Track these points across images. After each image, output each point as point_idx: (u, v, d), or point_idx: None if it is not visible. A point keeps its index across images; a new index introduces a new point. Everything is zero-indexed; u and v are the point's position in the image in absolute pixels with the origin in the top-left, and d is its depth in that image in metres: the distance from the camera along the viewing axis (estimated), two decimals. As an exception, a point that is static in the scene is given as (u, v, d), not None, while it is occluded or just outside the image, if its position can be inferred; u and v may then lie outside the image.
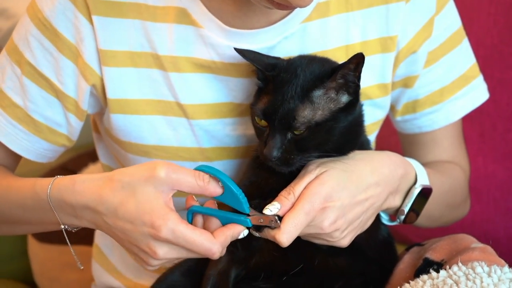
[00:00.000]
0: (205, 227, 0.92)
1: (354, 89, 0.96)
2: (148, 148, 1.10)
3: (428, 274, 0.95)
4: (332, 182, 0.93)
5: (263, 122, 0.96)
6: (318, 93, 0.95)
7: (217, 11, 1.04)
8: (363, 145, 1.05)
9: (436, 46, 1.13)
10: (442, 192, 1.11)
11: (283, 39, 1.06)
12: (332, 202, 0.93)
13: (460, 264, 0.94)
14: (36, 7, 1.07)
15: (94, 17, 1.05)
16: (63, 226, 0.99)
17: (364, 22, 1.08)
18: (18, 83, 1.09)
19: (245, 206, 0.91)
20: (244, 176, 1.04)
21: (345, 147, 0.98)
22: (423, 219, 1.10)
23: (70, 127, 1.11)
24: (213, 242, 0.88)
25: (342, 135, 0.96)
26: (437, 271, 0.95)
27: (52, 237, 1.68)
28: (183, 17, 1.05)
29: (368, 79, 1.10)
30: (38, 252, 1.78)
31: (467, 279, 0.91)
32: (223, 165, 1.11)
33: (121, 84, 1.08)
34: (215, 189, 0.90)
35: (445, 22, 1.13)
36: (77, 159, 1.99)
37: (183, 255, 0.91)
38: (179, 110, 1.08)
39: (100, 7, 1.05)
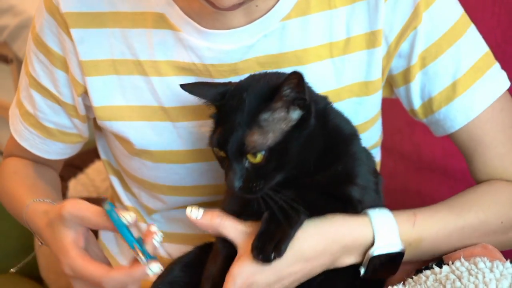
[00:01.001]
0: None
1: (303, 103, 0.93)
2: (137, 151, 1.12)
3: (431, 269, 0.96)
4: (255, 264, 0.93)
5: (222, 153, 0.95)
6: (265, 116, 0.93)
7: (197, 14, 1.05)
8: (355, 157, 1.00)
9: (436, 39, 1.08)
10: (448, 232, 1.03)
11: (262, 38, 1.05)
12: (256, 277, 0.93)
13: (462, 259, 0.95)
14: (33, 23, 1.14)
15: (72, 31, 1.08)
16: (40, 243, 1.10)
17: (348, 19, 1.06)
18: (28, 93, 1.16)
19: (130, 244, 0.91)
20: (224, 204, 1.03)
21: (308, 164, 0.95)
22: (432, 257, 1.04)
23: (78, 128, 1.18)
24: (103, 275, 0.92)
25: (300, 153, 0.94)
26: (440, 266, 0.96)
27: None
28: (161, 21, 1.06)
29: (354, 77, 1.09)
30: (44, 247, 1.78)
31: (470, 274, 0.91)
32: (211, 166, 1.11)
33: (105, 92, 1.10)
34: (110, 227, 0.93)
35: (440, 14, 1.07)
36: (83, 155, 1.99)
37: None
38: (163, 114, 1.09)
39: (78, 20, 1.07)
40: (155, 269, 0.91)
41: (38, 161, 1.24)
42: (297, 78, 0.91)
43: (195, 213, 0.96)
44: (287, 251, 0.93)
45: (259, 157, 0.92)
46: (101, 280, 0.92)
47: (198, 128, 1.09)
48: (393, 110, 1.33)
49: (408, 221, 1.01)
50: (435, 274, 0.95)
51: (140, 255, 0.91)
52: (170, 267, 1.08)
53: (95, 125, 1.24)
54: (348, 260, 0.99)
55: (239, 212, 0.99)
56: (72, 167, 1.93)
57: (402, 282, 0.97)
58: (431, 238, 1.02)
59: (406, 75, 1.10)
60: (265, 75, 0.99)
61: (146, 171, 1.14)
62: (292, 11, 1.05)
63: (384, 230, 0.98)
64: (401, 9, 1.06)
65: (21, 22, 2.26)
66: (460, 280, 0.91)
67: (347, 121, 1.03)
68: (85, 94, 1.12)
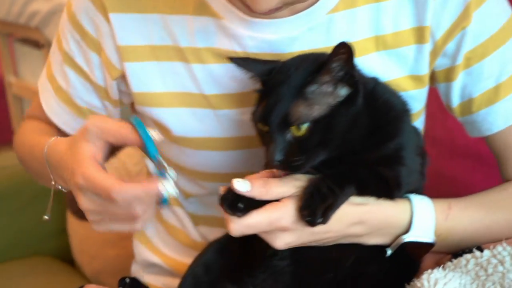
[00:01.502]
0: None
1: (351, 81, 0.92)
2: (176, 138, 1.11)
3: (471, 253, 0.95)
4: (297, 213, 0.92)
5: (265, 127, 0.94)
6: (311, 88, 0.91)
7: (237, 2, 1.03)
8: (405, 137, 0.99)
9: (484, 40, 1.06)
10: (476, 228, 1.03)
11: (306, 30, 1.04)
12: (295, 226, 0.92)
13: (504, 244, 0.94)
14: (68, 2, 1.13)
15: (111, 15, 1.07)
16: (53, 183, 1.04)
17: (395, 13, 1.05)
18: (61, 69, 1.15)
19: (151, 155, 0.90)
20: None
21: (352, 143, 0.93)
22: (456, 250, 1.04)
23: (108, 111, 1.17)
24: (112, 183, 0.87)
25: (346, 130, 0.92)
26: (481, 251, 0.95)
27: (91, 215, 1.71)
28: (202, 8, 1.05)
29: (400, 71, 1.08)
30: (77, 229, 1.80)
31: (512, 259, 0.91)
32: (251, 153, 1.11)
33: (144, 78, 1.09)
34: (134, 140, 0.91)
35: (490, 15, 1.06)
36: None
37: (100, 207, 0.90)
38: (204, 101, 1.09)
39: (117, 4, 1.07)
40: (170, 188, 0.89)
41: None
42: (346, 52, 0.89)
43: (242, 186, 0.91)
44: (336, 220, 0.93)
45: (304, 129, 0.91)
46: (112, 189, 0.87)
47: (239, 115, 1.09)
48: (427, 93, 1.32)
49: (442, 213, 1.01)
50: (476, 258, 0.94)
51: (162, 165, 0.90)
52: (205, 250, 1.08)
53: (132, 109, 1.25)
54: (376, 240, 0.99)
55: None
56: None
57: (441, 266, 0.96)
58: (459, 232, 1.02)
59: (449, 74, 1.09)
60: (312, 54, 0.98)
61: (185, 158, 1.13)
62: (339, 3, 1.04)
63: (421, 221, 0.98)
64: (451, 7, 1.05)
65: (52, 8, 2.27)
66: (502, 264, 0.91)
67: (397, 96, 1.02)
68: (121, 79, 1.12)
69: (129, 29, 1.08)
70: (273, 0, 0.89)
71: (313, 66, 0.93)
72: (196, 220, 1.23)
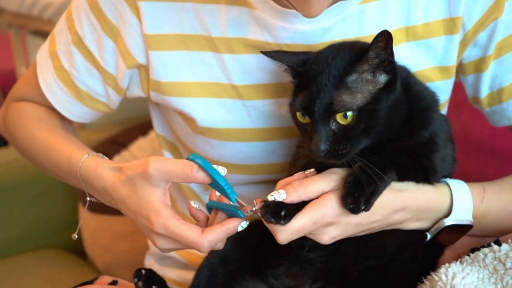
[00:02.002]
0: (211, 220, 0.96)
1: (390, 67, 0.93)
2: (202, 129, 1.11)
3: (489, 247, 0.95)
4: (341, 204, 0.92)
5: (305, 119, 0.94)
6: (352, 77, 0.92)
7: None
8: (438, 125, 1.00)
9: None
10: (510, 211, 1.05)
11: (339, 21, 1.04)
12: (340, 219, 0.93)
13: (523, 237, 0.94)
14: None
15: (141, 3, 1.06)
16: (89, 199, 1.07)
17: (427, 3, 1.05)
18: (67, 49, 1.14)
19: (231, 196, 0.92)
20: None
21: (393, 130, 0.95)
22: (489, 234, 1.05)
23: (109, 98, 1.16)
24: (199, 237, 0.91)
25: (387, 117, 0.93)
26: (498, 245, 0.95)
27: (103, 208, 1.70)
28: None
29: (429, 61, 1.08)
30: (90, 222, 1.80)
31: (531, 252, 0.90)
32: (278, 144, 1.11)
33: (173, 67, 1.08)
34: (204, 178, 0.92)
35: None
36: (126, 132, 2.01)
37: (178, 246, 0.95)
38: (233, 91, 1.08)
39: None
40: (244, 224, 0.93)
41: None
42: (385, 39, 0.90)
43: (278, 197, 0.92)
44: (379, 207, 0.94)
45: (350, 117, 0.91)
46: (198, 242, 0.91)
47: (268, 106, 1.08)
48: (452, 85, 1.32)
49: (478, 196, 1.02)
50: (494, 252, 0.94)
51: (245, 206, 0.91)
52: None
53: (149, 99, 1.24)
54: (416, 224, 1.00)
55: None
56: (116, 144, 1.95)
57: (459, 260, 0.96)
58: (494, 214, 1.03)
59: (479, 65, 1.09)
60: (346, 42, 0.99)
61: (209, 149, 1.13)
62: None
63: (461, 204, 1.00)
64: None
65: (65, 0, 2.27)
66: (521, 258, 0.90)
67: (427, 88, 1.03)
68: (138, 68, 1.11)
69: (160, 17, 1.07)
70: (324, 5, 0.89)
71: (351, 55, 0.94)
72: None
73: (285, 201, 0.90)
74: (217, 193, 0.96)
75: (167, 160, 0.93)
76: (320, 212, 0.91)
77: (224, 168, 0.92)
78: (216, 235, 0.92)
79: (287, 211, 0.90)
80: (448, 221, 0.99)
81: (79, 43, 1.12)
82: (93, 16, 1.10)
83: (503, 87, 1.09)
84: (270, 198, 0.90)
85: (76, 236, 1.09)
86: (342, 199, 0.91)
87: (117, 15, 1.08)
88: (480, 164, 1.58)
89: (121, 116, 2.16)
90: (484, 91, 1.10)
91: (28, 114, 1.20)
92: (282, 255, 1.02)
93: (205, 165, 0.91)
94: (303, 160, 0.99)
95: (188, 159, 0.93)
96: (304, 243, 0.98)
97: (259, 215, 0.91)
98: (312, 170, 0.96)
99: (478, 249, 0.97)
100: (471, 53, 1.09)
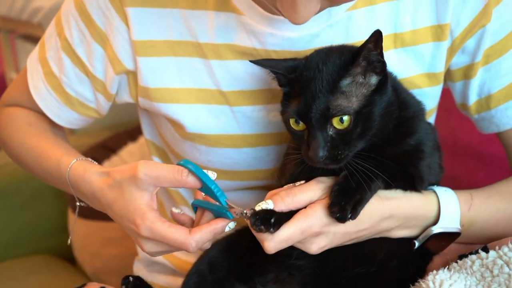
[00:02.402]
0: (197, 220, 0.97)
1: (380, 68, 0.94)
2: (190, 135, 1.11)
3: (477, 254, 0.95)
4: (328, 214, 0.92)
5: (300, 126, 0.94)
6: (346, 82, 0.92)
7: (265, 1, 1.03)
8: (424, 133, 1.00)
9: (503, 36, 1.06)
10: (498, 219, 1.05)
11: (327, 27, 1.04)
12: (327, 228, 0.93)
13: (510, 245, 0.93)
14: None
15: (129, 9, 1.06)
16: (78, 203, 1.08)
17: (415, 10, 1.05)
18: (57, 55, 1.14)
19: (221, 199, 0.92)
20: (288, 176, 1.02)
21: (386, 132, 0.95)
22: (476, 241, 1.05)
23: (99, 104, 1.16)
24: (187, 237, 0.91)
25: (381, 119, 0.94)
26: (486, 252, 0.95)
27: (93, 214, 1.70)
28: (223, 4, 1.04)
29: (417, 68, 1.08)
30: (79, 228, 1.80)
31: (518, 259, 0.90)
32: (266, 150, 1.11)
33: (161, 73, 1.08)
34: (193, 183, 0.92)
35: (508, 12, 1.06)
36: (116, 137, 2.01)
37: (166, 249, 0.95)
38: (221, 97, 1.08)
39: None
40: (232, 225, 0.93)
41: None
42: (375, 38, 0.90)
43: (266, 207, 0.92)
44: (366, 215, 0.94)
45: (346, 121, 0.92)
46: (186, 242, 0.91)
47: (256, 112, 1.08)
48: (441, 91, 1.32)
49: (465, 203, 1.02)
50: (481, 259, 0.94)
51: (235, 207, 0.92)
52: (210, 249, 1.07)
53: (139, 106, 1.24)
54: (404, 232, 1.00)
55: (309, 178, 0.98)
56: (106, 149, 1.94)
57: (446, 267, 0.96)
58: (482, 222, 1.03)
59: (468, 71, 1.09)
60: (333, 47, 0.98)
61: (198, 155, 1.13)
62: (359, 0, 1.04)
63: (448, 211, 1.00)
64: (471, 4, 1.05)
65: (55, 4, 2.26)
66: (508, 265, 0.90)
67: (413, 97, 1.03)
68: (126, 74, 1.11)
69: (148, 24, 1.07)
70: (311, 12, 0.89)
71: (341, 59, 0.94)
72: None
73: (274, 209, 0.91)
74: (203, 193, 0.96)
75: (157, 165, 0.93)
76: (308, 222, 0.91)
77: (214, 172, 0.92)
78: (203, 235, 0.92)
79: (276, 219, 0.90)
80: (436, 229, 0.99)
81: (69, 49, 1.12)
82: (81, 22, 1.10)
83: (491, 94, 1.09)
84: (258, 208, 0.91)
85: (69, 242, 1.10)
86: (328, 208, 0.91)
87: (105, 21, 1.08)
88: (469, 169, 1.58)
89: (111, 121, 2.16)
90: (473, 98, 1.11)
91: (18, 119, 1.20)
92: (271, 262, 1.02)
93: (196, 169, 0.92)
94: (291, 168, 0.99)
95: (178, 164, 0.93)
96: (291, 252, 0.98)
97: (249, 223, 0.91)
98: (302, 182, 0.96)
99: (466, 255, 0.97)
100: (459, 60, 1.09)
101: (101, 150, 1.92)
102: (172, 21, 1.06)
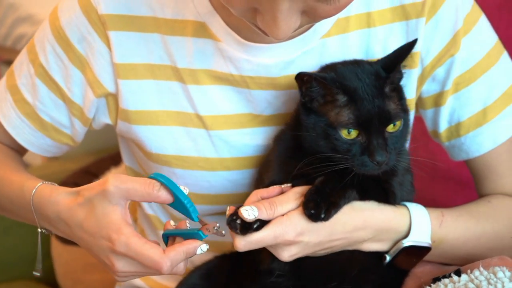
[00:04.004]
0: (169, 245, 0.95)
1: (400, 79, 1.00)
2: (169, 158, 1.12)
3: (449, 278, 0.96)
4: (301, 220, 0.95)
5: (352, 134, 0.96)
6: (388, 88, 0.98)
7: (236, 26, 1.05)
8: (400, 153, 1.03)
9: (472, 65, 1.10)
10: (467, 238, 1.07)
11: (302, 54, 1.06)
12: (301, 238, 0.95)
13: (481, 268, 0.95)
14: (55, 15, 1.11)
15: (111, 33, 1.07)
16: (40, 230, 1.05)
17: (386, 38, 1.08)
18: (30, 82, 1.13)
19: (193, 214, 0.92)
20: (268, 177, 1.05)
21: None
22: (445, 260, 1.08)
23: (74, 130, 1.16)
24: (162, 256, 0.90)
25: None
26: (458, 275, 0.96)
27: (75, 239, 1.71)
28: (201, 31, 1.07)
29: None
30: (61, 253, 1.79)
31: (489, 283, 0.92)
32: (242, 174, 1.12)
33: (141, 96, 1.10)
34: (165, 197, 0.92)
35: (477, 42, 1.10)
36: (99, 162, 2.01)
37: (138, 269, 0.93)
38: (198, 121, 1.10)
39: (118, 22, 1.07)
40: (204, 248, 0.92)
41: (5, 144, 1.20)
42: (414, 43, 0.98)
43: (251, 213, 0.93)
44: (332, 220, 0.96)
45: (398, 124, 0.97)
46: (161, 261, 0.90)
47: (232, 136, 1.10)
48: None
49: (436, 219, 1.04)
50: (454, 283, 0.95)
51: (209, 225, 0.92)
52: (190, 275, 1.09)
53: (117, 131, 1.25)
54: (376, 245, 1.02)
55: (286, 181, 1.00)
56: (89, 174, 1.95)
57: (420, 291, 0.98)
58: (452, 240, 1.05)
59: (438, 99, 1.12)
60: (353, 60, 1.03)
61: (175, 179, 1.12)
62: (332, 28, 1.07)
63: (419, 225, 1.02)
64: (441, 33, 1.08)
65: (39, 31, 2.28)
66: (479, 289, 0.91)
67: None
68: (106, 97, 1.12)
69: (129, 47, 1.08)
70: (291, 27, 0.90)
71: (374, 67, 0.99)
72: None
73: (254, 220, 0.93)
74: (172, 222, 0.96)
75: (127, 178, 0.92)
76: (282, 229, 0.93)
77: (186, 187, 0.93)
78: (177, 255, 0.91)
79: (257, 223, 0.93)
80: (407, 242, 1.01)
81: (44, 75, 1.12)
82: (59, 47, 1.11)
83: (460, 122, 1.12)
84: (244, 212, 0.92)
85: (37, 274, 1.09)
86: (303, 205, 0.94)
87: (85, 45, 1.09)
88: (448, 192, 1.60)
89: (94, 147, 2.17)
90: (443, 125, 1.13)
91: None
92: (250, 286, 1.03)
93: (168, 183, 0.91)
94: (276, 168, 1.03)
95: (149, 177, 0.92)
96: (273, 267, 1.01)
97: (226, 220, 0.93)
98: (289, 184, 0.99)
99: (439, 279, 0.98)
100: (430, 88, 1.12)
101: (84, 176, 1.92)
102: (153, 45, 1.08)
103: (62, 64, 1.11)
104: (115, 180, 0.91)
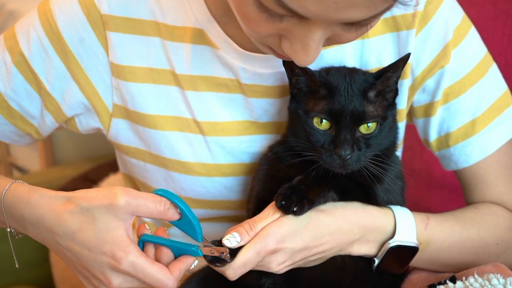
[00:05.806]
0: (156, 257, 0.93)
1: (394, 87, 1.01)
2: (166, 160, 1.13)
3: (445, 285, 0.97)
4: (289, 227, 0.95)
5: (323, 125, 0.98)
6: (372, 93, 0.99)
7: (234, 35, 1.07)
8: (392, 161, 1.04)
9: (461, 77, 1.11)
10: (453, 241, 1.08)
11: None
12: (284, 245, 0.95)
13: (476, 275, 0.97)
14: (47, 5, 1.08)
15: (110, 33, 1.07)
16: (9, 229, 1.00)
17: (379, 49, 1.10)
18: (4, 70, 1.09)
19: (199, 235, 0.91)
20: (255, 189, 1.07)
21: (387, 145, 1.01)
22: (432, 266, 1.09)
23: (42, 123, 1.13)
24: (169, 278, 0.89)
25: (389, 131, 1.01)
26: (453, 282, 0.97)
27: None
28: (200, 37, 1.08)
29: None
30: (60, 259, 1.80)
31: (483, 290, 0.93)
32: (238, 181, 1.13)
33: (140, 99, 1.10)
34: (173, 215, 0.91)
35: (467, 53, 1.11)
36: (98, 169, 2.02)
37: (136, 285, 0.91)
38: (196, 127, 1.11)
39: (119, 24, 1.07)
40: (195, 262, 0.93)
41: None
42: (403, 64, 0.98)
43: (234, 240, 0.93)
44: (315, 222, 0.96)
45: (372, 127, 0.98)
46: (168, 282, 0.89)
47: (229, 143, 1.11)
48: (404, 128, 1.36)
49: (422, 222, 1.05)
50: (449, 290, 0.97)
51: (215, 249, 0.91)
52: (187, 281, 1.09)
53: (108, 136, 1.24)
54: (364, 248, 1.02)
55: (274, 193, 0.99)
56: (87, 180, 1.95)
57: (415, 297, 0.99)
58: (437, 243, 1.06)
59: (428, 110, 1.14)
60: (348, 67, 1.05)
61: (171, 183, 1.14)
62: None
63: (404, 225, 1.03)
64: (431, 45, 1.10)
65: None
66: (474, 296, 0.93)
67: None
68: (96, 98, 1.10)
69: (129, 50, 1.08)
70: (318, 53, 0.89)
71: (365, 74, 1.01)
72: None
73: (239, 244, 0.93)
74: (147, 226, 0.94)
75: (137, 193, 0.89)
76: (261, 243, 0.93)
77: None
78: (180, 273, 0.92)
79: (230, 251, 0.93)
80: (393, 242, 1.02)
81: (23, 64, 1.09)
82: (46, 38, 1.08)
83: (449, 132, 1.14)
84: (226, 242, 0.92)
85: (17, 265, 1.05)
86: (275, 199, 0.95)
87: (78, 41, 1.07)
88: (443, 201, 1.61)
89: (93, 153, 2.18)
90: (433, 135, 1.15)
91: None
92: None
93: (178, 200, 0.90)
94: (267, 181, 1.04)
95: (156, 193, 0.90)
96: (263, 282, 1.01)
97: (206, 260, 0.92)
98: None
99: (434, 286, 1.00)
100: (420, 98, 1.14)
101: (83, 182, 1.93)
102: (153, 49, 1.09)
103: (46, 56, 1.08)
104: (126, 195, 0.88)
